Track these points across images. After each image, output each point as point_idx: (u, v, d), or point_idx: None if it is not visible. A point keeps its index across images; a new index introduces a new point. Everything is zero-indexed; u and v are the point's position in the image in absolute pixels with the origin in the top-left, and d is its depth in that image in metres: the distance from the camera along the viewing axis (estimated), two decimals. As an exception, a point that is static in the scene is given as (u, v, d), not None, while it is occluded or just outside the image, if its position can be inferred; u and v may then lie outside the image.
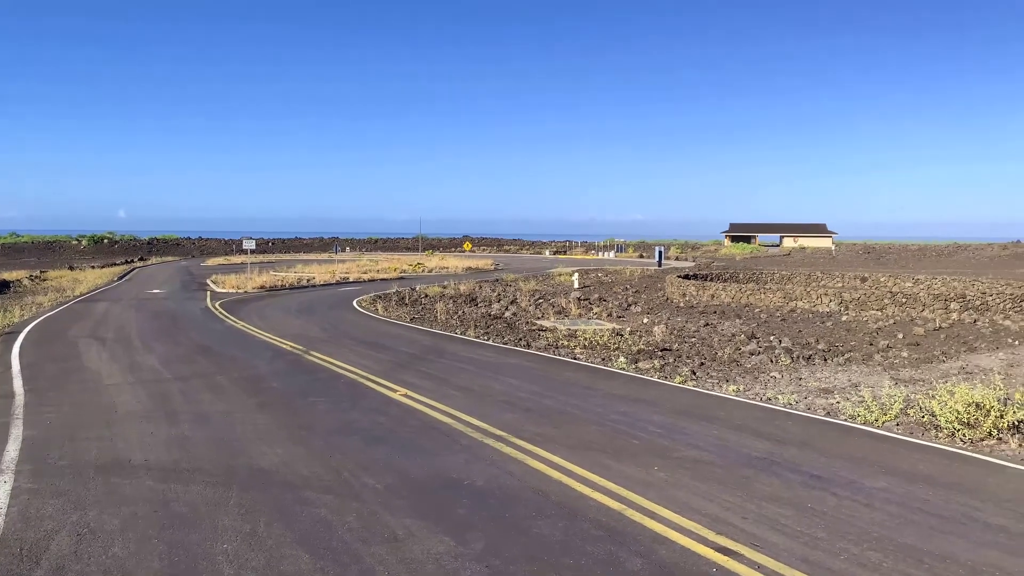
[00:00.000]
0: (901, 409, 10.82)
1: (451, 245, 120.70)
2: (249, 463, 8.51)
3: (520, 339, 19.28)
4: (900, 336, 20.09)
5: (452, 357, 16.40)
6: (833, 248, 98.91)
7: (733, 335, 20.07)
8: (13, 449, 9.07)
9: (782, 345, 18.15)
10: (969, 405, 9.74)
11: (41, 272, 51.19)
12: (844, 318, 24.21)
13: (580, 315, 25.48)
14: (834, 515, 6.88)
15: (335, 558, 5.94)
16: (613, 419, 10.60)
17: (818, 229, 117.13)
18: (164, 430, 9.98)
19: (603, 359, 16.21)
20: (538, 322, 23.25)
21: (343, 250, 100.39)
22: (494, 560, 5.91)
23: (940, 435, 9.77)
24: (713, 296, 30.01)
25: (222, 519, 6.76)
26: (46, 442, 9.40)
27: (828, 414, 11.13)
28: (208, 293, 35.60)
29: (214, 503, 7.17)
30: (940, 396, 10.19)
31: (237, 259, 70.86)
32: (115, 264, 67.41)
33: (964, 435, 9.54)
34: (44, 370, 14.84)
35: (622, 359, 15.86)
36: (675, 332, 20.69)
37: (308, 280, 43.05)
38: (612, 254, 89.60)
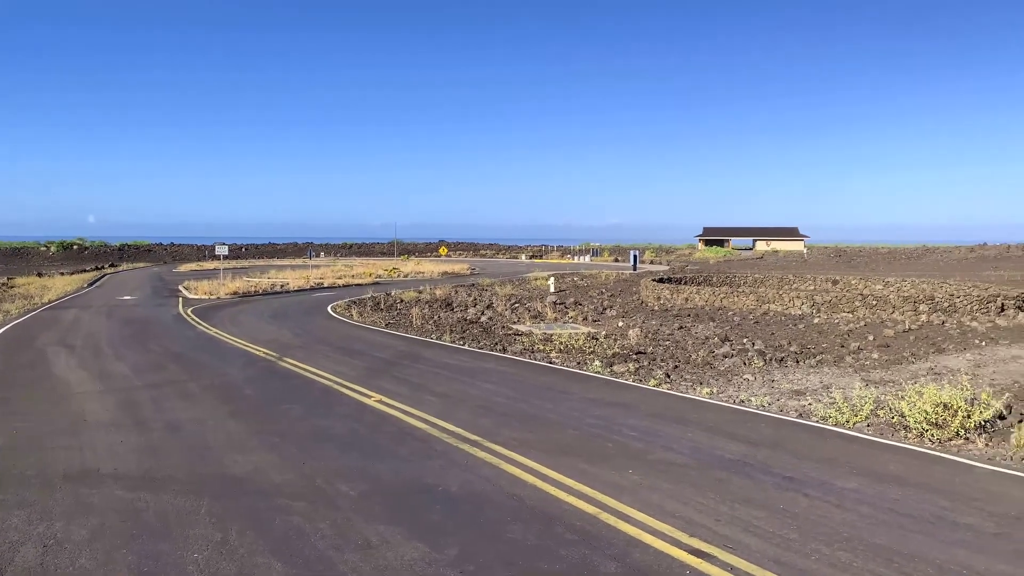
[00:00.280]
0: (871, 410, 10.97)
1: (427, 250, 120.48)
2: (221, 471, 8.41)
3: (496, 343, 19.27)
4: (871, 338, 20.38)
5: (427, 362, 16.35)
6: (805, 251, 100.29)
7: (707, 338, 20.24)
8: (-23, 460, 8.88)
9: (755, 348, 18.33)
10: (937, 406, 9.91)
11: (8, 279, 50.32)
12: (816, 320, 24.51)
13: (556, 319, 25.55)
14: (806, 516, 6.96)
15: (308, 566, 5.88)
16: (588, 423, 10.63)
17: (790, 233, 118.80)
18: (134, 439, 9.84)
19: (578, 363, 16.25)
20: (514, 326, 23.27)
21: (318, 255, 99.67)
22: (468, 566, 5.89)
23: (909, 435, 9.92)
24: (687, 299, 30.26)
25: (193, 528, 6.67)
26: (12, 452, 9.23)
27: (800, 416, 11.25)
28: (180, 299, 35.16)
29: (185, 512, 7.08)
30: (909, 397, 10.34)
31: (210, 265, 70.14)
32: (85, 271, 66.37)
33: (933, 435, 9.70)
34: (11, 379, 14.55)
35: (597, 363, 15.92)
36: (650, 335, 20.81)
37: (282, 286, 42.75)
38: (588, 258, 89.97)
